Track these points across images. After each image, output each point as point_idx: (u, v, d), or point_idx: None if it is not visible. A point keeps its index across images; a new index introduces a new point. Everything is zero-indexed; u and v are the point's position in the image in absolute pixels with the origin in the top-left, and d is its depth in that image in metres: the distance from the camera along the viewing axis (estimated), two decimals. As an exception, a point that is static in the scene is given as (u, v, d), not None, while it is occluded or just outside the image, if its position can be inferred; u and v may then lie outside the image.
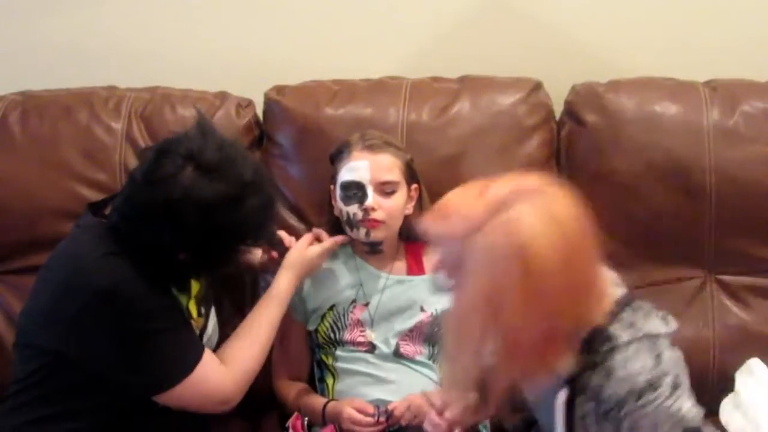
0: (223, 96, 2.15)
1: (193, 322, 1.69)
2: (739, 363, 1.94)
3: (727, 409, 1.89)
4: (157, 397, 1.57)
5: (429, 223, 1.31)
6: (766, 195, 1.99)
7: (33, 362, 1.59)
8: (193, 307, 1.70)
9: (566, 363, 1.30)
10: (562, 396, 1.34)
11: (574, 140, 2.08)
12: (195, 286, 1.72)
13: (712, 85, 2.09)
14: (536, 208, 1.23)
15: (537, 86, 2.12)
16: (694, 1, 2.24)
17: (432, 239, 1.33)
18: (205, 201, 1.50)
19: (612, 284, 1.38)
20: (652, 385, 1.27)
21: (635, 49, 2.25)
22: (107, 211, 1.65)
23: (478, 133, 2.06)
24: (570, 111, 2.10)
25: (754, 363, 1.93)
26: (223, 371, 1.62)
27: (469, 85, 2.13)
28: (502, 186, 1.26)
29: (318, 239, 1.86)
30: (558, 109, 2.14)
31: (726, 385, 1.92)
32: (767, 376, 1.90)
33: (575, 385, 1.32)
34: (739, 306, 2.03)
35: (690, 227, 2.01)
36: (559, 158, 2.09)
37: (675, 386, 1.29)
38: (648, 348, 1.30)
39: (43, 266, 1.65)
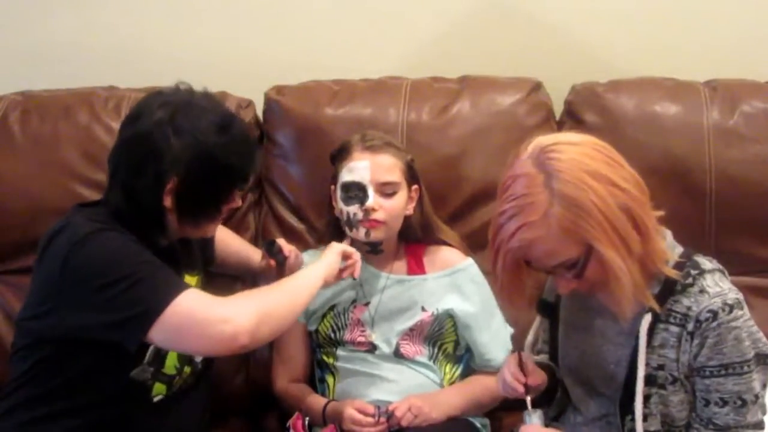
0: (222, 96, 2.15)
1: None
2: (739, 363, 1.94)
3: (727, 408, 1.90)
4: (152, 334, 1.47)
5: (496, 228, 1.42)
6: (766, 195, 1.99)
7: (30, 360, 1.58)
8: (190, 278, 1.68)
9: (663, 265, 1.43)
10: (646, 322, 1.45)
11: (574, 140, 2.08)
12: (191, 283, 1.69)
13: (712, 85, 2.09)
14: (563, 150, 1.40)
15: (537, 86, 2.12)
16: (694, 1, 2.24)
17: (522, 244, 1.40)
18: (187, 125, 1.53)
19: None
20: (740, 303, 1.42)
21: (635, 49, 2.25)
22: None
23: (478, 133, 2.06)
24: (570, 111, 2.11)
25: (755, 363, 1.93)
26: (224, 304, 1.51)
27: (469, 85, 2.13)
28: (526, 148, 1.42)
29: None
30: (558, 109, 2.14)
31: (726, 385, 1.92)
32: (767, 376, 1.90)
33: (658, 314, 1.44)
34: (739, 306, 2.03)
35: (690, 227, 2.00)
36: (559, 158, 2.09)
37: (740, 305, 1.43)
38: (726, 277, 1.46)
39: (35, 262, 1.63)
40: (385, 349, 1.83)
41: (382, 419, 1.72)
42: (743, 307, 1.42)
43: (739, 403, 1.41)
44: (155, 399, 1.64)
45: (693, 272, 1.45)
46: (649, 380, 1.45)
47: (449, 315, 1.84)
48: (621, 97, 2.06)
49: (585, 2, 2.27)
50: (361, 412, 1.73)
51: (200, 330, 1.48)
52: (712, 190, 2.00)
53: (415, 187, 1.86)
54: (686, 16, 2.24)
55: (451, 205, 2.05)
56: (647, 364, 1.45)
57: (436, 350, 1.85)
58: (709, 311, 1.41)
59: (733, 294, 1.42)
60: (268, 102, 2.15)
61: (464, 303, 1.84)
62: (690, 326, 1.43)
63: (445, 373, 1.85)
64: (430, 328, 1.84)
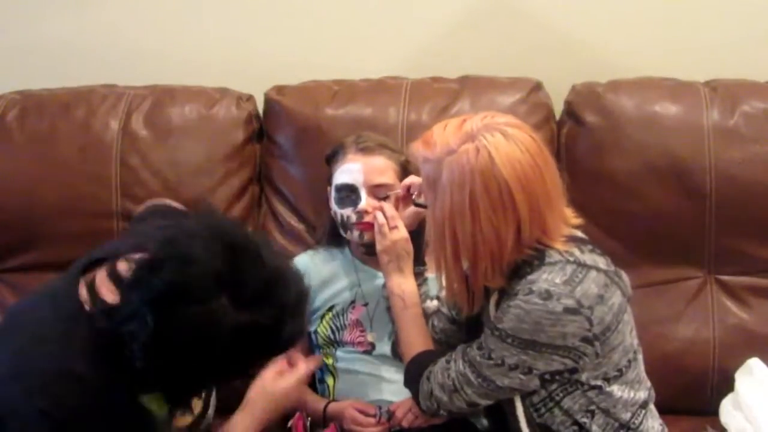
0: (223, 91, 2.15)
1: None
2: (739, 363, 1.94)
3: (727, 409, 1.89)
4: None
5: (415, 148, 1.51)
6: (766, 195, 1.99)
7: None
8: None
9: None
10: (494, 298, 1.51)
11: (574, 140, 2.08)
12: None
13: (712, 85, 2.09)
14: (503, 137, 1.44)
15: (537, 86, 2.12)
16: (694, 1, 2.24)
17: (417, 161, 1.52)
18: (241, 336, 1.23)
19: (571, 223, 1.54)
20: (545, 294, 1.41)
21: (635, 49, 2.25)
22: (103, 289, 1.30)
23: (478, 133, 2.06)
24: (570, 111, 2.10)
25: (754, 363, 1.93)
26: None
27: (469, 85, 2.13)
28: (476, 120, 1.47)
29: (290, 363, 1.61)
30: (558, 109, 2.14)
31: (726, 385, 1.92)
32: (767, 376, 1.90)
33: (505, 291, 1.49)
34: (739, 306, 2.03)
35: (690, 227, 2.01)
36: (559, 158, 2.08)
37: (571, 311, 1.41)
38: (569, 271, 1.44)
39: (11, 313, 1.40)
40: (384, 349, 1.83)
41: (383, 419, 1.72)
42: (549, 298, 1.40)
43: (491, 361, 1.46)
44: None
45: (535, 263, 1.46)
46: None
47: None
48: (621, 97, 2.06)
49: (585, 2, 2.26)
50: (362, 412, 1.73)
51: None
52: (712, 190, 1.99)
53: (410, 187, 1.85)
54: (686, 16, 2.24)
55: (451, 205, 2.04)
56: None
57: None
58: (514, 293, 1.44)
59: (545, 285, 1.41)
60: (268, 102, 2.15)
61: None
62: (504, 302, 1.47)
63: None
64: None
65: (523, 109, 2.08)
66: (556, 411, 1.50)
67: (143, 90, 2.15)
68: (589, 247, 1.52)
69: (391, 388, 1.80)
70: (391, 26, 2.30)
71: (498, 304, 1.49)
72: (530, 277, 1.44)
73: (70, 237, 2.01)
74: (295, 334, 1.33)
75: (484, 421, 1.85)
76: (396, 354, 1.82)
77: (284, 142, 2.10)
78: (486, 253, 1.44)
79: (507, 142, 1.43)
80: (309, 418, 1.77)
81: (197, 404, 1.66)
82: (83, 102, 2.11)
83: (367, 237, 1.80)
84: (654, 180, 2.01)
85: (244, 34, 2.31)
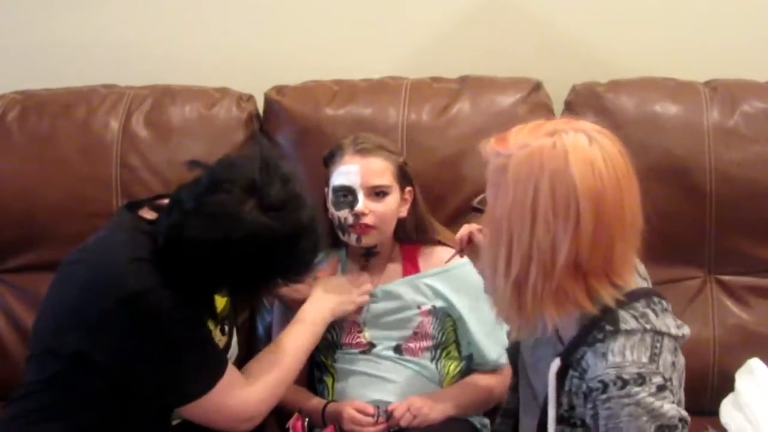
0: (223, 91, 2.15)
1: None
2: (739, 363, 1.94)
3: (727, 409, 1.89)
4: (179, 409, 1.54)
5: (487, 144, 1.37)
6: (766, 195, 1.99)
7: (47, 370, 1.53)
8: (211, 324, 1.66)
9: (576, 308, 1.30)
10: (554, 366, 1.35)
11: (574, 140, 2.07)
12: (220, 303, 1.68)
13: (712, 85, 2.09)
14: (587, 140, 1.28)
15: (537, 86, 2.12)
16: (694, 1, 2.24)
17: (487, 157, 1.37)
18: (262, 241, 1.43)
19: (637, 273, 1.39)
20: (639, 380, 1.27)
21: (635, 49, 2.25)
22: (144, 212, 1.59)
23: (478, 133, 2.04)
24: (570, 111, 2.10)
25: (754, 363, 1.93)
26: (246, 388, 1.57)
27: (469, 85, 2.12)
28: (561, 121, 1.33)
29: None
30: (558, 109, 2.14)
31: (726, 385, 1.92)
32: (767, 377, 1.89)
33: (570, 358, 1.33)
34: (739, 306, 2.03)
35: (690, 227, 2.01)
36: (559, 158, 2.09)
37: (661, 388, 1.28)
38: (650, 343, 1.30)
39: (67, 263, 1.58)
40: (383, 349, 1.83)
41: (382, 419, 1.72)
42: (644, 382, 1.26)
43: None
44: (174, 422, 1.64)
45: (608, 328, 1.30)
46: (561, 419, 1.36)
47: (447, 314, 1.84)
48: (621, 97, 2.06)
49: (585, 2, 2.26)
50: (360, 412, 1.73)
51: (226, 423, 1.58)
52: (712, 190, 1.99)
53: (408, 188, 1.85)
54: (686, 16, 2.24)
55: (451, 205, 2.04)
56: (559, 405, 1.36)
57: (436, 351, 1.84)
58: (600, 381, 1.28)
59: (635, 368, 1.27)
60: (268, 102, 2.15)
61: (459, 301, 1.83)
62: (584, 386, 1.31)
63: (445, 374, 1.85)
64: (432, 328, 1.83)
65: (523, 109, 2.08)
66: None
67: (143, 90, 2.15)
68: (656, 301, 1.37)
69: (391, 388, 1.80)
70: (391, 26, 2.30)
71: (563, 376, 1.34)
72: (603, 350, 1.28)
73: (70, 237, 2.00)
74: (309, 250, 1.52)
75: (484, 420, 1.86)
76: (400, 354, 1.81)
77: (284, 142, 2.10)
78: (538, 262, 1.27)
79: (590, 147, 1.27)
80: (307, 419, 1.77)
81: (221, 338, 1.70)
82: (83, 102, 2.11)
83: (364, 240, 1.80)
84: (654, 180, 1.99)
85: (244, 34, 2.32)
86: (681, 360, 1.36)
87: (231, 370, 1.57)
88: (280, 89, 2.15)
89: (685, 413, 1.31)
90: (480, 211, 1.44)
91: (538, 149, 1.28)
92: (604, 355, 1.29)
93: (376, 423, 1.71)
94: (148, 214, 1.58)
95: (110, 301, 1.45)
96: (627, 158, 1.31)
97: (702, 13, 2.24)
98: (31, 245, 2.06)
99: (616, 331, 1.30)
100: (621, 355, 1.28)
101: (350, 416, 1.72)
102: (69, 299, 1.51)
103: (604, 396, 1.28)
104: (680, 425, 1.29)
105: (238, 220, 1.42)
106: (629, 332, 1.30)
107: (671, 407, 1.28)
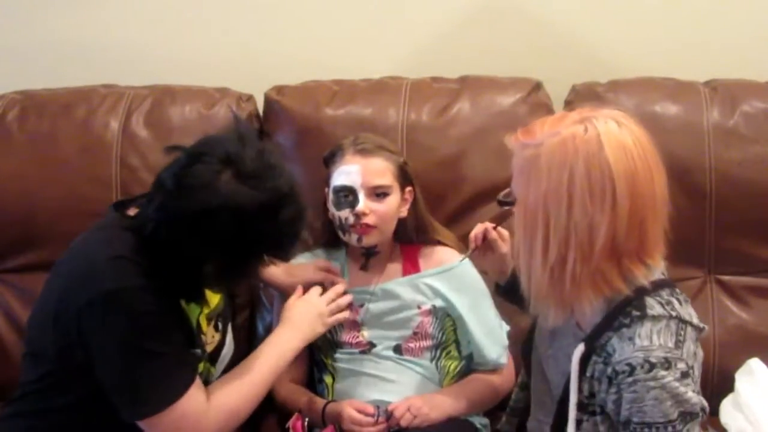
0: (223, 91, 2.15)
1: (203, 337, 1.63)
2: (739, 363, 1.94)
3: (727, 409, 1.89)
4: (140, 422, 1.49)
5: (513, 137, 1.39)
6: (766, 195, 1.99)
7: (39, 369, 1.54)
8: (204, 321, 1.64)
9: (609, 292, 1.33)
10: (578, 351, 1.37)
11: (574, 140, 2.07)
12: (213, 300, 1.67)
13: (712, 85, 2.09)
14: (617, 125, 1.33)
15: (537, 86, 2.12)
16: (694, 1, 2.24)
17: (513, 150, 1.39)
18: (242, 210, 1.41)
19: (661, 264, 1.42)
20: (666, 364, 1.29)
21: (635, 49, 2.25)
22: (130, 211, 1.59)
23: (478, 133, 2.06)
24: (570, 111, 2.10)
25: (754, 363, 1.93)
26: (205, 408, 1.52)
27: (469, 85, 2.12)
28: (586, 110, 1.36)
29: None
30: (558, 109, 2.13)
31: (726, 386, 1.92)
32: (767, 376, 1.89)
33: (594, 343, 1.36)
34: (739, 306, 2.03)
35: (690, 227, 2.00)
36: (559, 158, 2.09)
37: (685, 374, 1.31)
38: (675, 330, 1.33)
39: (56, 264, 1.58)
40: (383, 349, 1.83)
41: (382, 419, 1.72)
42: (670, 366, 1.29)
43: None
44: None
45: (634, 313, 1.34)
46: (581, 406, 1.39)
47: (447, 314, 1.84)
48: (621, 97, 2.06)
49: (585, 2, 2.27)
50: (360, 412, 1.73)
51: None
52: (712, 190, 1.99)
53: (408, 189, 1.85)
54: (686, 16, 2.24)
55: (451, 205, 2.04)
56: (580, 391, 1.38)
57: (436, 351, 1.84)
58: (627, 364, 1.31)
59: (662, 352, 1.30)
60: (268, 102, 2.15)
61: (459, 300, 1.83)
62: (609, 370, 1.34)
63: (445, 374, 1.85)
64: (432, 328, 1.83)
65: (523, 109, 2.08)
66: None
67: (143, 90, 2.15)
68: (678, 291, 1.41)
69: (391, 387, 1.80)
70: (391, 26, 2.30)
71: (585, 362, 1.36)
72: (629, 334, 1.31)
73: (70, 237, 1.97)
74: (292, 219, 1.48)
75: (484, 420, 1.86)
76: (400, 354, 1.82)
77: (284, 142, 2.10)
78: (576, 245, 1.30)
79: (620, 131, 1.32)
80: (307, 419, 1.77)
81: (214, 336, 1.68)
82: (83, 102, 2.11)
83: (365, 241, 1.80)
84: (654, 180, 2.00)
85: (244, 34, 2.32)
86: (700, 352, 1.38)
87: (193, 392, 1.50)
88: (280, 89, 2.15)
89: (705, 403, 1.34)
90: (509, 204, 1.44)
91: (571, 135, 1.32)
92: (631, 339, 1.31)
93: (376, 423, 1.71)
94: (133, 212, 1.58)
95: (84, 298, 1.45)
96: (651, 141, 1.35)
97: (702, 13, 2.24)
98: (31, 245, 2.05)
99: (643, 316, 1.33)
100: (648, 339, 1.31)
101: (350, 416, 1.72)
102: (52, 299, 1.52)
103: (630, 379, 1.30)
104: (701, 414, 1.33)
105: (215, 188, 1.41)
106: (656, 318, 1.33)
107: (694, 395, 1.31)
